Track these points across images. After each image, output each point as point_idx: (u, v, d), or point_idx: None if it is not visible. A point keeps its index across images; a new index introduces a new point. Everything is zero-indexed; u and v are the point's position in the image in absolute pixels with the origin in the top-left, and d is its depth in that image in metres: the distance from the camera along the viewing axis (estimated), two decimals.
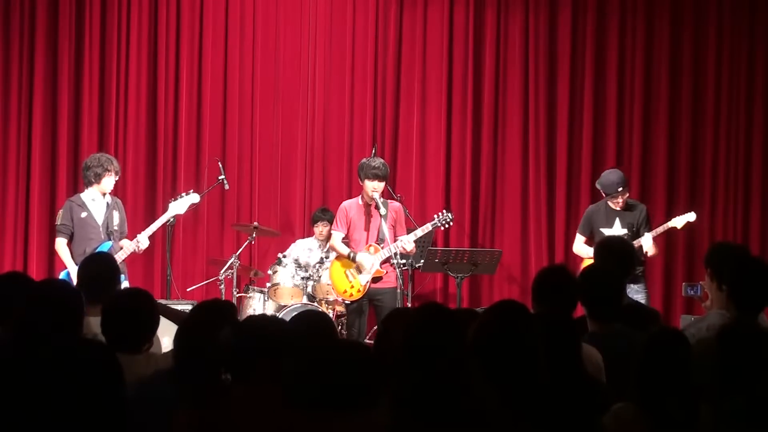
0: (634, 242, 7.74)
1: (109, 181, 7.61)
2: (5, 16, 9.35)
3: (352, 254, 7.67)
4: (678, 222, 8.19)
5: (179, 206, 7.90)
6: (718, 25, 9.68)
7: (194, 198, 7.99)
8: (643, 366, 3.42)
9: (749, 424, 3.33)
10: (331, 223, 8.94)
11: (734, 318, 4.18)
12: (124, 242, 7.62)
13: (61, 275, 7.59)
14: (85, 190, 7.66)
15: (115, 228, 7.61)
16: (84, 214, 7.59)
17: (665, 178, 9.65)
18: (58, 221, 7.71)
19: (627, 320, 4.40)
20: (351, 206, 7.83)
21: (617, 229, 7.83)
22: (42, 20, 9.37)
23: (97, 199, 7.64)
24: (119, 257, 7.42)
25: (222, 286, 8.70)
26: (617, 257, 5.07)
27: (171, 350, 4.14)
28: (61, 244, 7.67)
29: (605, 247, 5.29)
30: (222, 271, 8.71)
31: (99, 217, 7.60)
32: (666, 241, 9.38)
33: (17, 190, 9.37)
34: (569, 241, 9.31)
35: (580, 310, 4.56)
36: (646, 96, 9.69)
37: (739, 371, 3.41)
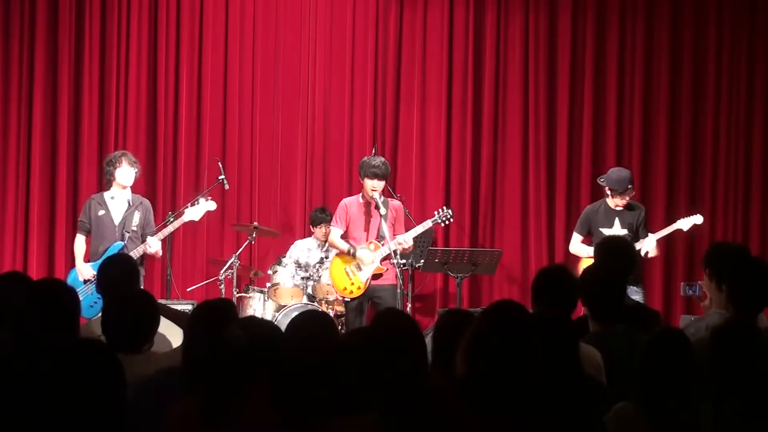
0: (637, 244, 7.74)
1: (123, 173, 7.61)
2: (5, 16, 9.35)
3: (352, 250, 7.69)
4: (684, 224, 8.16)
5: (195, 213, 7.88)
6: (718, 25, 9.68)
7: (211, 206, 7.97)
8: (644, 366, 3.42)
9: (748, 424, 3.33)
10: (328, 223, 8.96)
11: (733, 318, 4.18)
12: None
13: (71, 275, 7.61)
14: (108, 190, 7.68)
15: (133, 228, 7.56)
16: (101, 212, 7.60)
17: (665, 178, 9.65)
18: (79, 217, 7.80)
19: (627, 320, 4.40)
20: (351, 203, 7.84)
21: (617, 229, 7.82)
22: (42, 20, 9.37)
23: (117, 197, 7.63)
24: None
25: (222, 286, 8.70)
26: (618, 257, 5.07)
27: (171, 350, 4.15)
28: (77, 241, 7.75)
29: (606, 247, 5.29)
30: (222, 271, 8.71)
31: (117, 216, 7.60)
32: (666, 241, 9.37)
33: (17, 189, 9.37)
34: (569, 241, 9.31)
35: (580, 310, 4.56)
36: (646, 96, 9.69)
37: (734, 370, 3.41)
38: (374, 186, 7.60)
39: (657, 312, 5.25)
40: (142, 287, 5.02)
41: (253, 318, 3.53)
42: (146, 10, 9.53)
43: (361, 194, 7.83)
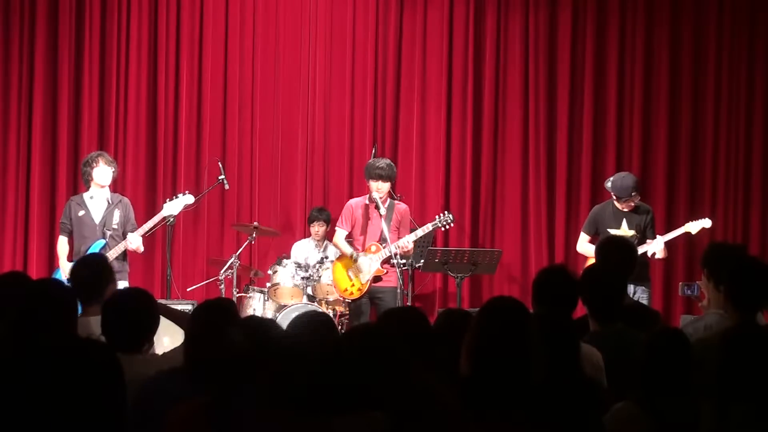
0: (645, 246, 7.77)
1: (101, 173, 7.65)
2: (5, 16, 9.36)
3: (354, 255, 7.72)
4: (693, 227, 8.22)
5: (173, 207, 7.94)
6: (718, 25, 9.68)
7: (188, 199, 8.02)
8: (644, 365, 3.43)
9: (756, 427, 3.32)
10: (327, 222, 8.99)
11: (734, 318, 4.18)
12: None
13: (55, 274, 7.66)
14: (87, 190, 7.73)
15: (114, 227, 7.63)
16: (81, 213, 7.65)
17: (665, 179, 9.65)
18: (60, 219, 7.82)
19: (627, 320, 4.41)
20: (357, 205, 7.90)
21: (624, 230, 7.85)
22: (42, 20, 9.37)
23: (96, 197, 7.68)
24: (109, 256, 7.46)
25: (222, 286, 8.71)
26: (619, 256, 5.07)
27: (171, 350, 4.15)
28: (59, 242, 7.81)
29: (606, 247, 5.29)
30: (222, 271, 8.71)
31: (97, 216, 7.65)
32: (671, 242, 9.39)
33: (17, 189, 9.38)
34: (569, 241, 9.32)
35: (580, 310, 4.57)
36: (646, 96, 9.69)
37: (744, 374, 3.39)
38: (378, 187, 7.65)
39: (657, 312, 5.25)
40: (117, 284, 5.02)
41: (255, 318, 3.54)
42: (146, 10, 9.53)
43: (367, 196, 7.87)
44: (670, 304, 9.52)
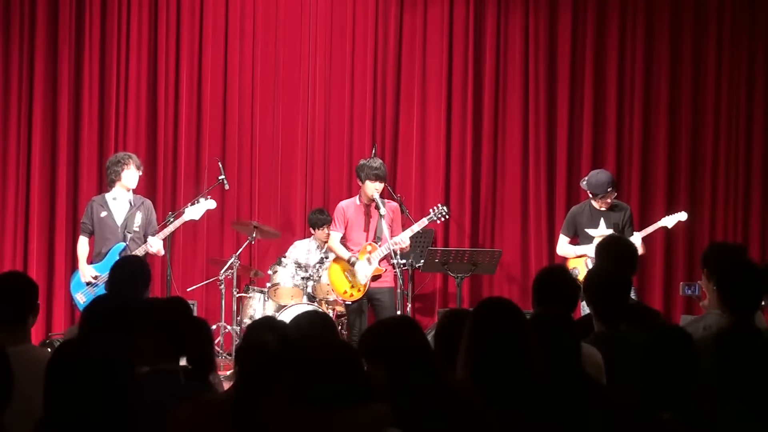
0: None
1: (129, 175, 7.62)
2: (5, 16, 9.35)
3: (353, 259, 7.70)
4: (669, 221, 8.22)
5: (195, 212, 7.90)
6: (718, 25, 9.68)
7: (211, 204, 7.99)
8: (645, 362, 3.42)
9: (749, 426, 3.33)
10: (329, 224, 8.95)
11: (729, 319, 4.18)
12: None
13: (74, 277, 7.64)
14: (110, 190, 7.68)
15: (136, 229, 7.58)
16: (104, 214, 7.61)
17: (665, 178, 9.65)
18: (81, 219, 7.81)
19: (629, 320, 4.40)
20: (349, 206, 7.85)
21: (602, 230, 7.84)
22: (42, 21, 9.37)
23: (119, 198, 7.63)
24: None
25: (222, 286, 8.70)
26: (621, 256, 5.06)
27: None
28: (80, 242, 7.77)
29: (607, 247, 5.28)
30: (222, 271, 8.71)
31: (119, 217, 7.61)
32: (666, 241, 9.39)
33: (17, 190, 9.37)
34: None
35: (580, 311, 4.57)
36: (646, 96, 9.69)
37: (738, 374, 3.39)
38: (376, 188, 7.62)
39: (657, 312, 5.25)
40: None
41: (274, 319, 3.55)
42: (146, 10, 9.53)
43: (357, 196, 7.84)
44: (670, 304, 9.52)
